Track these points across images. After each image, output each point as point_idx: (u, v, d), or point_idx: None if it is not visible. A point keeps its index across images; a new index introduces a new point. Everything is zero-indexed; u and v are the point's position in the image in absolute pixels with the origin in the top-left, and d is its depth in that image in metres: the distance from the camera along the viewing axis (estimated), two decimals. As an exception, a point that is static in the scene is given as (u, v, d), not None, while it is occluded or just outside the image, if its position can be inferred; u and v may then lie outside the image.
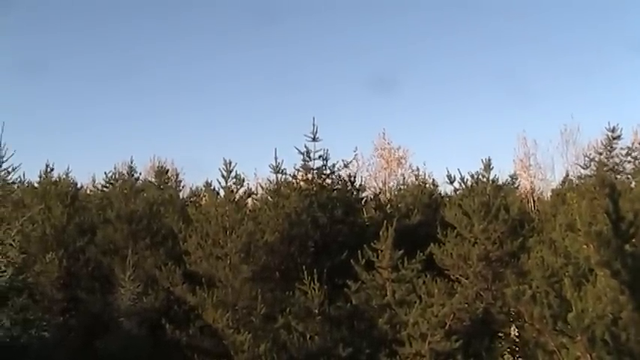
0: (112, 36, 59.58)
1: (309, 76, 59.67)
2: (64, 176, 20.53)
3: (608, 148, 21.59)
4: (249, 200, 16.12)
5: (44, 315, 11.17)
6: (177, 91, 59.25)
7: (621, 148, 22.87)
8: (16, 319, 10.47)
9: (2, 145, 11.25)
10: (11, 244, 10.79)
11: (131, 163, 20.87)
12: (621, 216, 7.90)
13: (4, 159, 11.31)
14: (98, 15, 59.90)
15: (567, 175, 25.54)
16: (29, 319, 10.64)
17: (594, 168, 21.52)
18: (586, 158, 23.22)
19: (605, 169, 20.64)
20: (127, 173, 20.56)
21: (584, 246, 9.24)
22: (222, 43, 59.65)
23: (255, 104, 57.14)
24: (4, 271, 10.56)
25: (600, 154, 21.44)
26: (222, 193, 14.83)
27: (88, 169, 56.87)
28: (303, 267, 12.98)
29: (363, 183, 19.42)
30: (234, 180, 14.35)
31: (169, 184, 29.69)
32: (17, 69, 53.52)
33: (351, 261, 13.22)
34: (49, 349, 11.15)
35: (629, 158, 23.10)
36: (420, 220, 17.25)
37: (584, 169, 22.86)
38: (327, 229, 15.96)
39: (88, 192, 24.02)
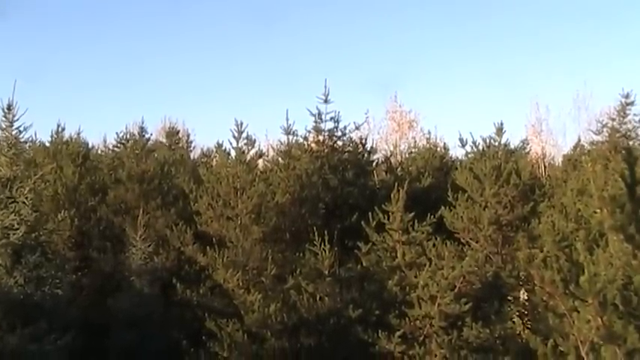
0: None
1: (322, 39, 58.99)
2: (76, 136, 20.58)
3: (621, 114, 21.29)
4: (260, 161, 16.15)
5: (57, 273, 11.17)
6: (190, 51, 58.90)
7: (634, 115, 22.67)
8: (30, 276, 10.52)
9: (14, 104, 11.18)
10: (24, 203, 10.80)
11: (142, 123, 20.80)
12: (637, 180, 7.82)
13: (16, 118, 11.24)
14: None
15: (579, 141, 25.36)
16: (42, 276, 10.66)
17: (606, 134, 21.28)
18: (598, 124, 22.96)
19: (617, 135, 20.41)
20: (138, 133, 20.48)
21: (597, 210, 9.21)
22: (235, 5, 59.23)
23: (268, 66, 56.80)
24: (17, 229, 10.58)
25: (613, 120, 21.17)
26: (233, 153, 14.86)
27: (100, 129, 56.86)
28: (314, 228, 13.00)
29: (374, 146, 19.36)
30: (245, 141, 14.36)
31: (180, 144, 29.80)
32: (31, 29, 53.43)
33: (362, 223, 13.22)
34: (62, 307, 11.21)
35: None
36: (431, 183, 17.21)
37: (596, 134, 22.60)
38: (337, 191, 15.98)
39: (99, 152, 24.05)
